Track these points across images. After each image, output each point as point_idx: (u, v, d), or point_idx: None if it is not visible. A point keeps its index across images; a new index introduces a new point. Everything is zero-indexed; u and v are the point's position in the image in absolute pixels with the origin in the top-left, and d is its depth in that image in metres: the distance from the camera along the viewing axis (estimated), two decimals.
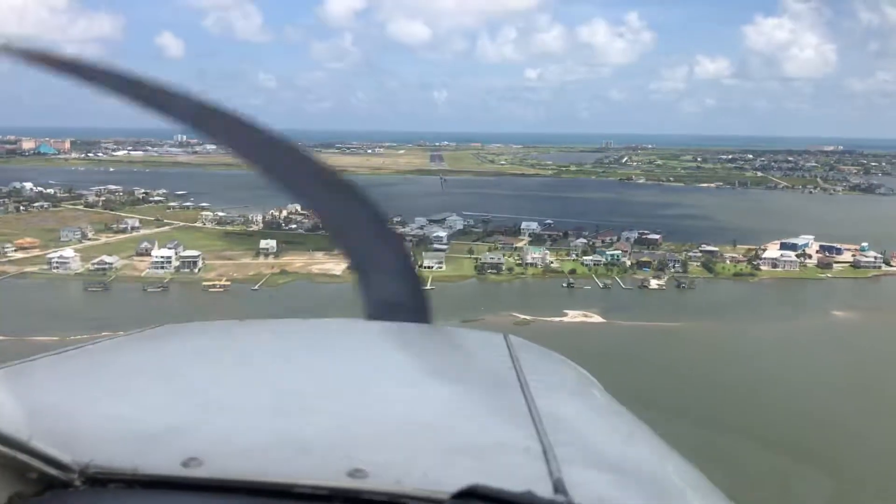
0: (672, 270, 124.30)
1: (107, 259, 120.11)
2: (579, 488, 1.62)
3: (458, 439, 1.92)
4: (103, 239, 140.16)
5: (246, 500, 1.57)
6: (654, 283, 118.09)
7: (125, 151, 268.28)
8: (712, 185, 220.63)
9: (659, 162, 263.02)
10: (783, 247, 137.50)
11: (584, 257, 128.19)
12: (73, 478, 1.59)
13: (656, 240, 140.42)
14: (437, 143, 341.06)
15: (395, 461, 1.71)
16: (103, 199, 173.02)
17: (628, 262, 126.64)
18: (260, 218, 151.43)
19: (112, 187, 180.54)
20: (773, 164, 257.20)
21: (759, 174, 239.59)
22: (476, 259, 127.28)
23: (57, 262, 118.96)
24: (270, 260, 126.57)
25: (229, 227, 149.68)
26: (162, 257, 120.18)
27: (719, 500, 2.12)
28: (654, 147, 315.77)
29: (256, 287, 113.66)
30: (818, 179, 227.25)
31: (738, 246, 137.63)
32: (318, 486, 1.57)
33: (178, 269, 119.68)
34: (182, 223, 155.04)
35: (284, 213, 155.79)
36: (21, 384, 2.22)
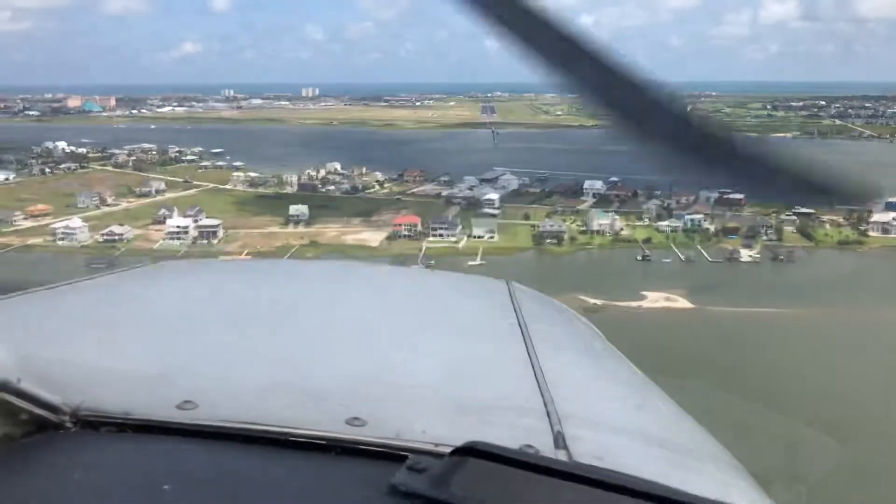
0: (764, 238, 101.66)
1: (116, 230, 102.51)
2: (580, 444, 1.57)
3: (460, 392, 1.88)
4: (123, 204, 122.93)
5: (241, 447, 1.51)
6: (745, 255, 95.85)
7: (170, 108, 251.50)
8: (788, 135, 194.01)
9: (727, 110, 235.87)
10: (889, 207, 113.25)
11: (660, 222, 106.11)
12: (64, 420, 1.53)
13: (740, 200, 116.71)
14: (488, 95, 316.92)
15: (395, 412, 1.65)
16: (134, 158, 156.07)
17: (712, 228, 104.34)
18: (295, 179, 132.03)
19: (146, 146, 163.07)
20: (849, 111, 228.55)
21: (838, 122, 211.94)
22: (533, 226, 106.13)
23: (62, 233, 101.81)
24: (301, 229, 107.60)
25: (261, 189, 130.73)
26: (178, 227, 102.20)
27: (719, 452, 2.08)
28: (717, 94, 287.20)
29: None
30: None
31: (837, 206, 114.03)
32: (315, 434, 1.50)
33: (195, 239, 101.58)
34: (212, 185, 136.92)
35: (322, 172, 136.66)
36: (11, 322, 2.15)
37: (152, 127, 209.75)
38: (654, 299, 79.68)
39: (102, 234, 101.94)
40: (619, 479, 1.29)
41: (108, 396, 1.58)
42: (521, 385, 1.92)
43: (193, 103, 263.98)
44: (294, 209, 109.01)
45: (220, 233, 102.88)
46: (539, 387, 1.89)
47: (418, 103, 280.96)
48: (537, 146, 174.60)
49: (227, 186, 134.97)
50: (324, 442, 1.49)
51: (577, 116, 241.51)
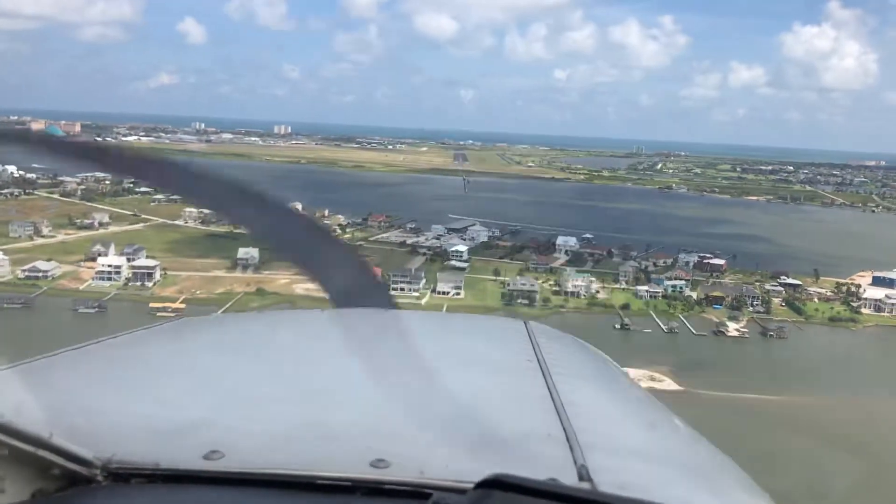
0: (750, 309, 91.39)
1: (41, 265, 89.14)
2: (604, 475, 1.55)
3: (481, 428, 1.86)
4: (61, 236, 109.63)
5: (268, 492, 1.51)
6: (732, 329, 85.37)
7: (135, 137, 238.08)
8: (761, 198, 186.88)
9: (697, 170, 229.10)
10: (876, 281, 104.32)
11: (638, 286, 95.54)
12: (95, 473, 1.54)
13: (720, 266, 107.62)
14: (461, 142, 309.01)
15: (417, 451, 1.64)
16: (84, 187, 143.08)
17: (694, 296, 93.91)
18: None
19: (100, 175, 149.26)
20: (818, 177, 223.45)
21: (808, 188, 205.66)
22: (503, 283, 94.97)
23: None
24: (248, 274, 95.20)
25: (213, 227, 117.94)
26: (110, 266, 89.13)
27: (746, 483, 2.05)
28: (686, 154, 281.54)
29: (220, 312, 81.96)
30: (874, 196, 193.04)
31: (823, 278, 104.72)
32: (340, 477, 1.50)
33: (128, 281, 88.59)
34: (161, 220, 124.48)
35: None
36: (42, 380, 2.19)
37: None
38: (637, 377, 68.07)
39: (25, 270, 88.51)
40: None
41: (137, 449, 1.61)
42: (542, 418, 1.91)
43: (161, 134, 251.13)
44: (243, 252, 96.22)
45: (157, 275, 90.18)
46: (560, 419, 1.88)
47: (390, 147, 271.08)
48: (509, 197, 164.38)
49: (178, 222, 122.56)
50: (349, 484, 1.48)
51: (547, 168, 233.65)
